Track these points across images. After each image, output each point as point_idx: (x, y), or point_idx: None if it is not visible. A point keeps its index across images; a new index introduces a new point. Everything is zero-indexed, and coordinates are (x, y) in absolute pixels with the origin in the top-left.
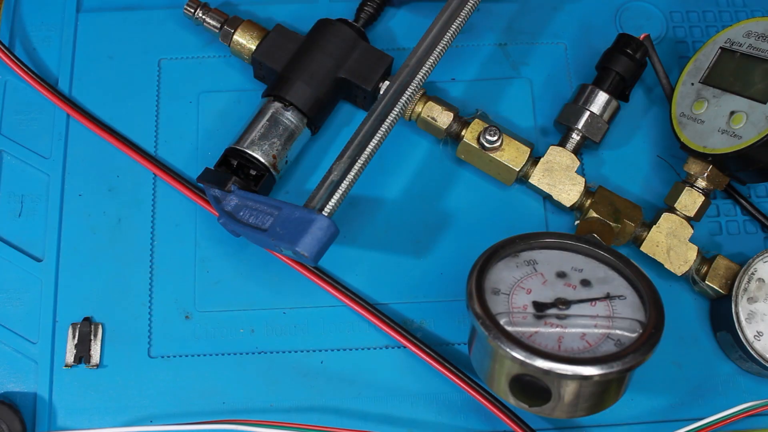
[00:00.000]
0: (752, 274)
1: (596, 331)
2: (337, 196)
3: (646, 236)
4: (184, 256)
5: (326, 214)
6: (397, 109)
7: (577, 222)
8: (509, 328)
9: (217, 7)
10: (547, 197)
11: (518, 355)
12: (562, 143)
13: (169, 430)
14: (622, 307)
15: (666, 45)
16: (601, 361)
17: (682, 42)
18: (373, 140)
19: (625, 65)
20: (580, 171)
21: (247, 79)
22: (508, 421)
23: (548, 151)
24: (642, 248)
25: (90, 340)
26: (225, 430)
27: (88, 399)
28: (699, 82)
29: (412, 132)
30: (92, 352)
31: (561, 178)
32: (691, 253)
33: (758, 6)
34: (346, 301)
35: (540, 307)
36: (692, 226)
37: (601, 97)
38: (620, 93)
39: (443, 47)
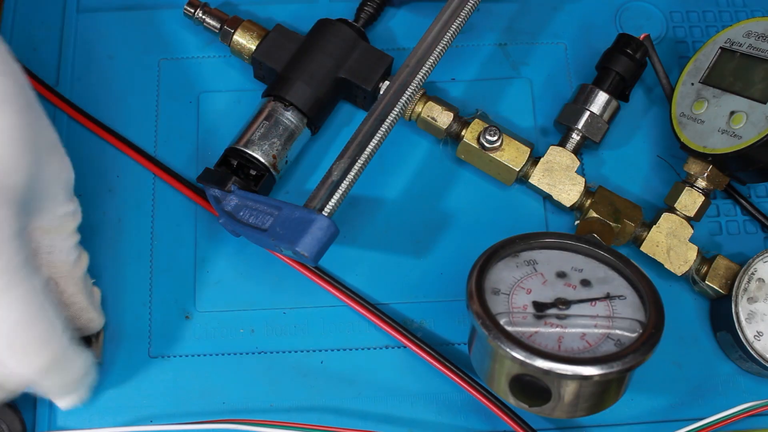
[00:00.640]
0: (752, 274)
1: (596, 331)
2: (337, 196)
3: (646, 236)
4: (184, 256)
5: (326, 214)
6: (397, 109)
7: (577, 222)
8: (509, 328)
9: (217, 7)
10: (547, 197)
11: (518, 355)
12: (562, 143)
13: (169, 430)
14: (622, 307)
15: (666, 45)
16: (601, 361)
17: (682, 42)
18: (373, 140)
19: (625, 65)
20: (580, 171)
21: (247, 79)
22: (508, 420)
23: (548, 151)
24: (642, 248)
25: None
26: (225, 430)
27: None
28: (699, 82)
29: (412, 132)
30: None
31: (561, 178)
32: (691, 253)
33: (758, 6)
34: (347, 300)
35: (540, 307)
36: (692, 226)
37: (601, 97)
38: (620, 93)
39: (443, 47)
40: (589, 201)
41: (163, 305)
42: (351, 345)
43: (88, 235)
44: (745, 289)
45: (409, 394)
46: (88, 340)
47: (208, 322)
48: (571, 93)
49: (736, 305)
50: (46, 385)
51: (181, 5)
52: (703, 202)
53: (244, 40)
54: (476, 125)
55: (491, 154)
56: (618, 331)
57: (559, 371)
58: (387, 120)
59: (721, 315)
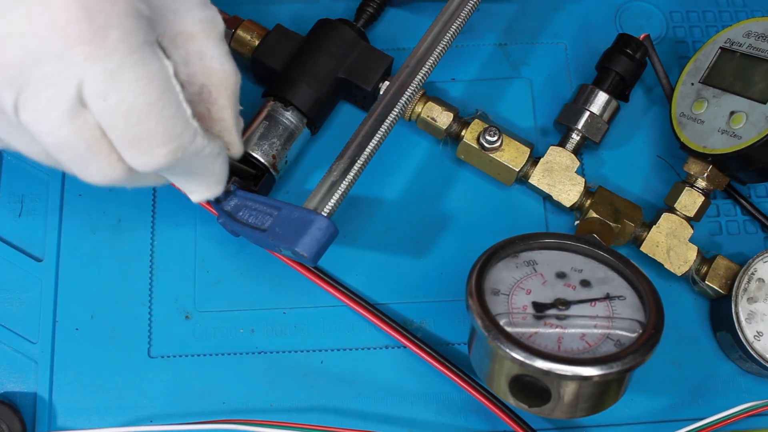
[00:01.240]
0: (752, 274)
1: (596, 331)
2: (336, 196)
3: (646, 236)
4: (184, 256)
5: (326, 215)
6: (397, 110)
7: (577, 222)
8: (509, 329)
9: (218, 6)
10: (546, 197)
11: (518, 355)
12: (562, 143)
13: (169, 430)
14: (621, 307)
15: (666, 45)
16: (601, 362)
17: (682, 42)
18: (373, 140)
19: (625, 65)
20: (580, 171)
21: (247, 79)
22: (508, 420)
23: (548, 151)
24: (642, 248)
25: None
26: (225, 430)
27: (88, 399)
28: (699, 82)
29: (412, 132)
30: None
31: (561, 178)
32: (691, 253)
33: (758, 6)
34: (346, 300)
35: (540, 308)
36: (692, 226)
37: (601, 97)
38: (620, 93)
39: (443, 48)
40: (588, 201)
41: (163, 305)
42: (351, 345)
43: (88, 235)
44: (745, 289)
45: (409, 394)
46: None
47: (208, 322)
48: (571, 93)
49: (736, 305)
50: (173, 177)
51: None
52: (703, 202)
53: (245, 40)
54: (476, 125)
55: (491, 155)
56: (618, 332)
57: (558, 372)
58: (387, 120)
59: (721, 315)
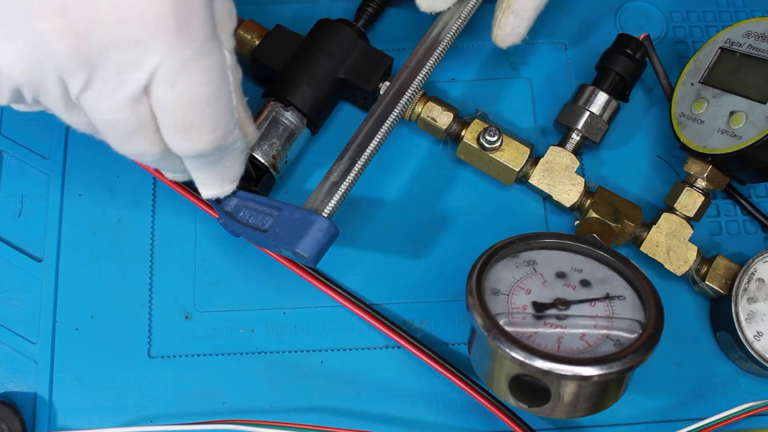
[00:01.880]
0: (752, 274)
1: (596, 331)
2: (337, 197)
3: (646, 236)
4: (184, 256)
5: (326, 215)
6: (397, 111)
7: (576, 222)
8: (509, 329)
9: None
10: (546, 197)
11: (518, 355)
12: (562, 143)
13: (169, 431)
14: (621, 307)
15: (666, 45)
16: (601, 362)
17: (682, 42)
18: (373, 141)
19: (624, 65)
20: (580, 171)
21: (247, 79)
22: (508, 421)
23: (548, 151)
24: (642, 248)
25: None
26: (225, 430)
27: (88, 399)
28: (699, 82)
29: (412, 132)
30: None
31: (561, 178)
32: (691, 253)
33: (758, 6)
34: (345, 303)
35: (539, 308)
36: (692, 226)
37: (601, 98)
38: (620, 93)
39: (443, 48)
40: (588, 201)
41: (163, 305)
42: (351, 345)
43: (88, 235)
44: (745, 289)
45: (409, 394)
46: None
47: (208, 322)
48: (570, 93)
49: (736, 305)
50: (199, 166)
51: None
52: (703, 202)
53: (245, 40)
54: (476, 125)
55: (491, 155)
56: (617, 332)
57: (558, 372)
58: (387, 121)
59: (721, 315)
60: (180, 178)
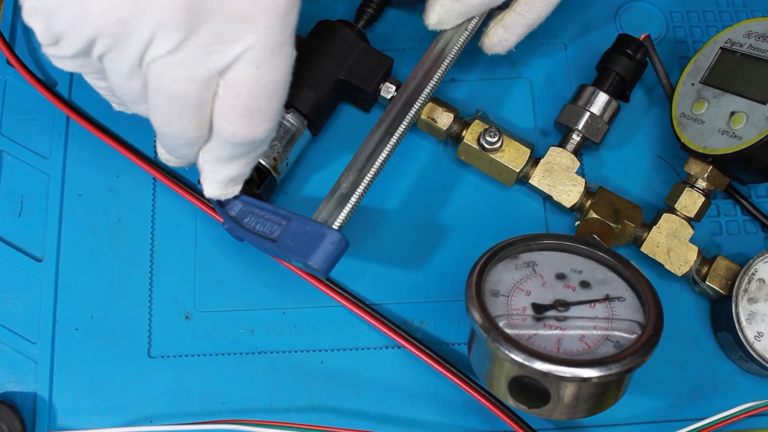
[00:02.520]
0: (752, 274)
1: (595, 332)
2: (347, 209)
3: (647, 237)
4: (184, 256)
5: (336, 228)
6: (406, 122)
7: (577, 223)
8: (508, 330)
9: None
10: (547, 198)
11: (517, 357)
12: (563, 144)
13: (169, 430)
14: (621, 308)
15: (666, 45)
16: (600, 363)
17: (683, 42)
18: (383, 153)
19: (625, 65)
20: (580, 172)
21: None
22: (508, 420)
23: (548, 151)
24: (642, 249)
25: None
26: (225, 430)
27: (88, 399)
28: (699, 82)
29: (413, 133)
30: None
31: (561, 178)
32: (692, 254)
33: (758, 6)
34: (345, 303)
35: (539, 309)
36: (692, 227)
37: (601, 98)
38: (620, 93)
39: (451, 60)
40: (589, 202)
41: (163, 305)
42: (351, 345)
43: (88, 235)
44: (746, 290)
45: (409, 394)
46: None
47: (208, 322)
48: (571, 93)
49: (736, 306)
50: (232, 156)
51: None
52: (704, 203)
53: None
54: (476, 126)
55: (491, 155)
56: (617, 333)
57: (558, 373)
58: (396, 133)
59: (721, 315)
60: (176, 164)
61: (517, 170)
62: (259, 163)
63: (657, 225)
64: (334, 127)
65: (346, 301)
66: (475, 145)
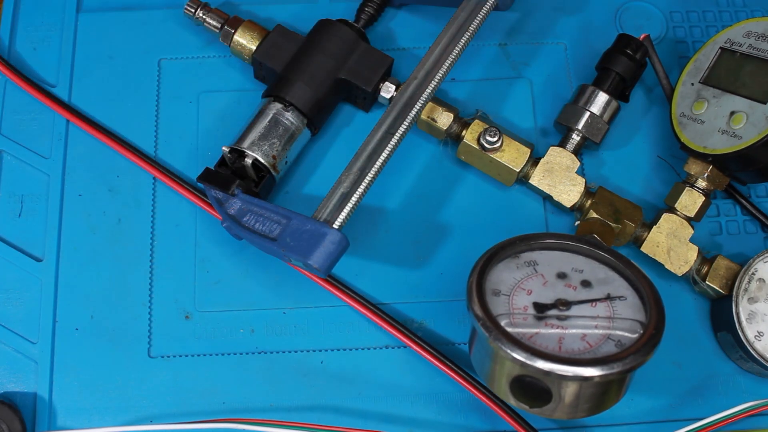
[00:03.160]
0: (753, 274)
1: (597, 332)
2: (347, 208)
3: (647, 237)
4: (184, 256)
5: (337, 227)
6: (407, 123)
7: (577, 223)
8: (510, 330)
9: (218, 7)
10: (547, 198)
11: (519, 356)
12: (563, 144)
13: (169, 429)
14: (622, 307)
15: (666, 45)
16: (602, 362)
17: (682, 42)
18: (384, 153)
19: (625, 65)
20: (580, 171)
21: (247, 79)
22: (510, 420)
23: (548, 151)
24: (642, 249)
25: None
26: (224, 429)
27: (88, 399)
28: (699, 82)
29: (413, 133)
30: None
31: (561, 178)
32: (692, 254)
33: (758, 6)
34: (349, 301)
35: (540, 308)
36: (692, 227)
37: (601, 98)
38: (620, 93)
39: (452, 60)
40: (589, 202)
41: (163, 305)
42: (351, 345)
43: (88, 235)
44: (746, 290)
45: (409, 394)
46: None
47: (208, 322)
48: (571, 93)
49: (736, 305)
50: None
51: (181, 5)
52: (704, 203)
53: (245, 41)
54: (476, 126)
55: (491, 155)
56: (618, 332)
57: (559, 372)
58: (397, 133)
59: (721, 315)
60: None
61: (517, 170)
62: (258, 161)
63: (657, 225)
64: (334, 127)
65: (351, 299)
66: (475, 145)
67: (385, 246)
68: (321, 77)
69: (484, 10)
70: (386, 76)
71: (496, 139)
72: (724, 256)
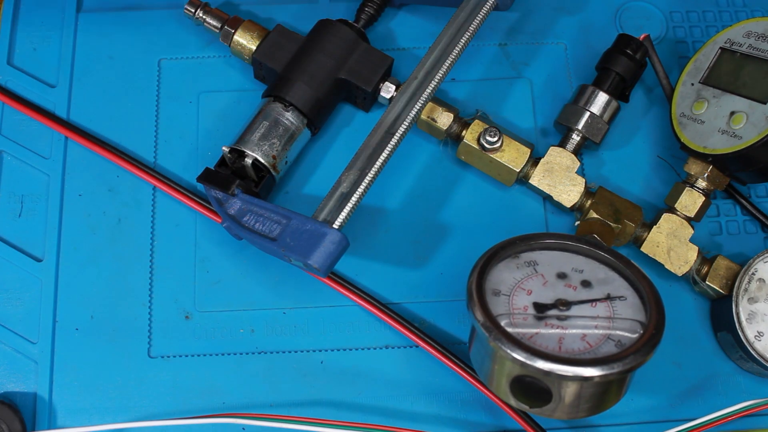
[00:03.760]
0: (753, 274)
1: (597, 332)
2: (347, 209)
3: (647, 237)
4: (184, 256)
5: (337, 227)
6: (407, 123)
7: (577, 223)
8: (510, 330)
9: (218, 7)
10: (547, 198)
11: (519, 356)
12: (563, 144)
13: (168, 425)
14: (622, 307)
15: (666, 45)
16: (602, 362)
17: (682, 42)
18: (384, 153)
19: (625, 66)
20: (580, 171)
21: (247, 79)
22: (518, 419)
23: (548, 151)
24: (642, 249)
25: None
26: (223, 423)
27: (88, 399)
28: (699, 82)
29: (413, 133)
30: None
31: (561, 178)
32: (692, 254)
33: (758, 6)
34: (358, 300)
35: (540, 308)
36: (692, 227)
37: (601, 98)
38: (620, 93)
39: (453, 59)
40: (589, 202)
41: (163, 305)
42: (351, 345)
43: (88, 235)
44: (746, 290)
45: (409, 394)
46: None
47: (208, 322)
48: (571, 93)
49: (736, 305)
50: None
51: (181, 5)
52: (704, 203)
53: (245, 41)
54: (476, 126)
55: (491, 155)
56: (619, 332)
57: (559, 372)
58: (397, 133)
59: (721, 315)
60: None
61: (517, 170)
62: (258, 161)
63: (657, 225)
64: (334, 127)
65: (359, 297)
66: (475, 145)
67: (385, 246)
68: (321, 77)
69: (484, 10)
70: (386, 76)
71: (496, 139)
72: (724, 256)
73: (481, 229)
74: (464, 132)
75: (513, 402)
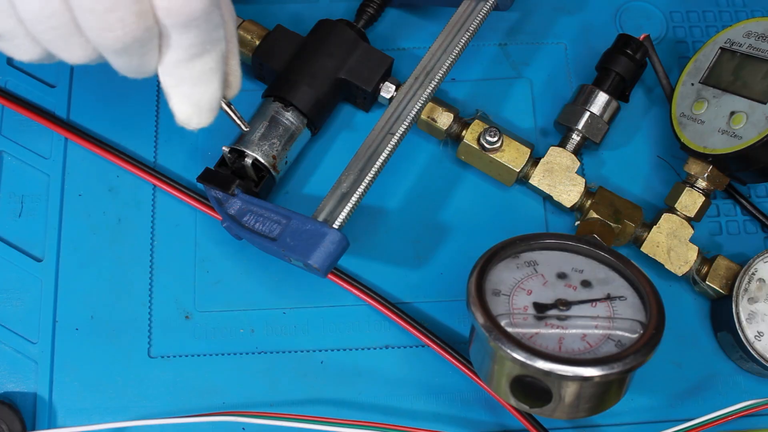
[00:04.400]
0: (753, 274)
1: (597, 332)
2: (347, 208)
3: (647, 237)
4: (184, 256)
5: (337, 227)
6: (407, 123)
7: (577, 223)
8: (510, 330)
9: None
10: (547, 198)
11: (519, 356)
12: (562, 144)
13: (167, 424)
14: (622, 307)
15: (666, 45)
16: (602, 362)
17: (682, 42)
18: (384, 153)
19: (625, 66)
20: (580, 172)
21: (247, 79)
22: (519, 417)
23: (548, 151)
24: (642, 249)
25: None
26: (223, 422)
27: (88, 399)
28: (699, 82)
29: (413, 133)
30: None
31: (561, 178)
32: (692, 254)
33: (758, 6)
34: (365, 297)
35: (540, 308)
36: (692, 227)
37: (601, 98)
38: (620, 93)
39: (453, 59)
40: (589, 202)
41: (163, 305)
42: (351, 345)
43: (88, 235)
44: (746, 290)
45: (410, 393)
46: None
47: (208, 322)
48: (571, 93)
49: (736, 305)
50: (187, 54)
51: None
52: (704, 203)
53: (245, 41)
54: (476, 126)
55: (491, 155)
56: (619, 332)
57: (559, 372)
58: (397, 133)
59: (721, 315)
60: (137, 69)
61: (517, 170)
62: (258, 161)
63: (657, 225)
64: (334, 127)
65: (366, 296)
66: (475, 145)
67: (385, 246)
68: (321, 77)
69: (484, 10)
70: (386, 76)
71: (496, 139)
72: (724, 256)
73: (481, 229)
74: (464, 132)
75: (513, 402)
